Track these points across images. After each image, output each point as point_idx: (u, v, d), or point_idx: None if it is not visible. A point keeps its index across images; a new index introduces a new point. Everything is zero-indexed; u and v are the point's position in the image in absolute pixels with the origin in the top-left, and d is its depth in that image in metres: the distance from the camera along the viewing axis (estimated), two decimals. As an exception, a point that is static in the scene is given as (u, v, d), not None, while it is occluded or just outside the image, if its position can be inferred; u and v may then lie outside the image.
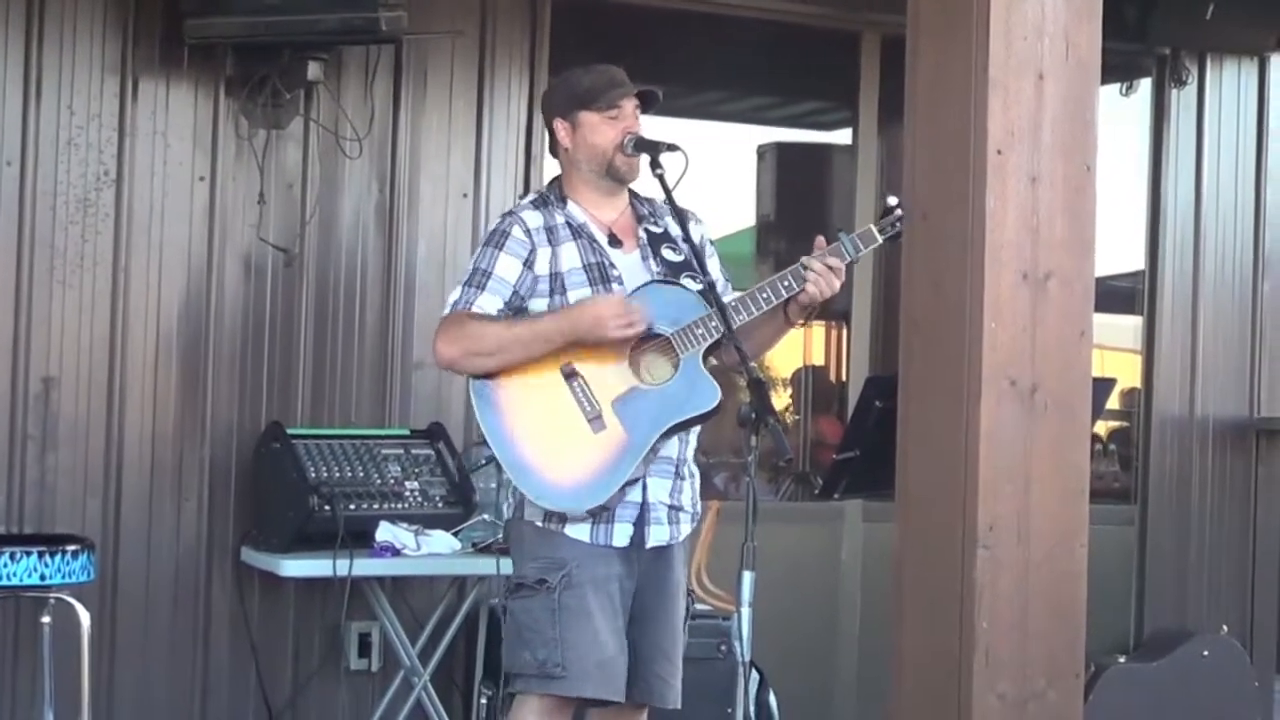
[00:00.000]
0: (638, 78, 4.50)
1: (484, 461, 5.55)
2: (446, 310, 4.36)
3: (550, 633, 4.25)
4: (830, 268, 4.30)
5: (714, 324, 4.27)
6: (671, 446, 4.36)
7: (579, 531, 4.31)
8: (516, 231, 4.37)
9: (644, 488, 4.33)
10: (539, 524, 4.33)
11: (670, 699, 4.43)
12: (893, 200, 4.44)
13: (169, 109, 5.75)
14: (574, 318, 4.27)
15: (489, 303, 4.32)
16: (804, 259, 4.35)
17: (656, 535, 4.37)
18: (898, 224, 4.37)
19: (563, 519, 4.30)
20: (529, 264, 4.35)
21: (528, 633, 4.29)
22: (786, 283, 4.33)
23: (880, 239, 4.40)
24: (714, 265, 4.50)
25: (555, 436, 4.27)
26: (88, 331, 5.66)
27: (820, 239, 4.39)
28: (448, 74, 6.08)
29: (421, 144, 6.06)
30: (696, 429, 4.43)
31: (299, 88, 5.76)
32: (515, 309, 4.34)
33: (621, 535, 4.32)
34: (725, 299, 4.36)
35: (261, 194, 5.82)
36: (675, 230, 4.46)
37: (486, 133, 6.13)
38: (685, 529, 4.45)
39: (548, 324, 4.28)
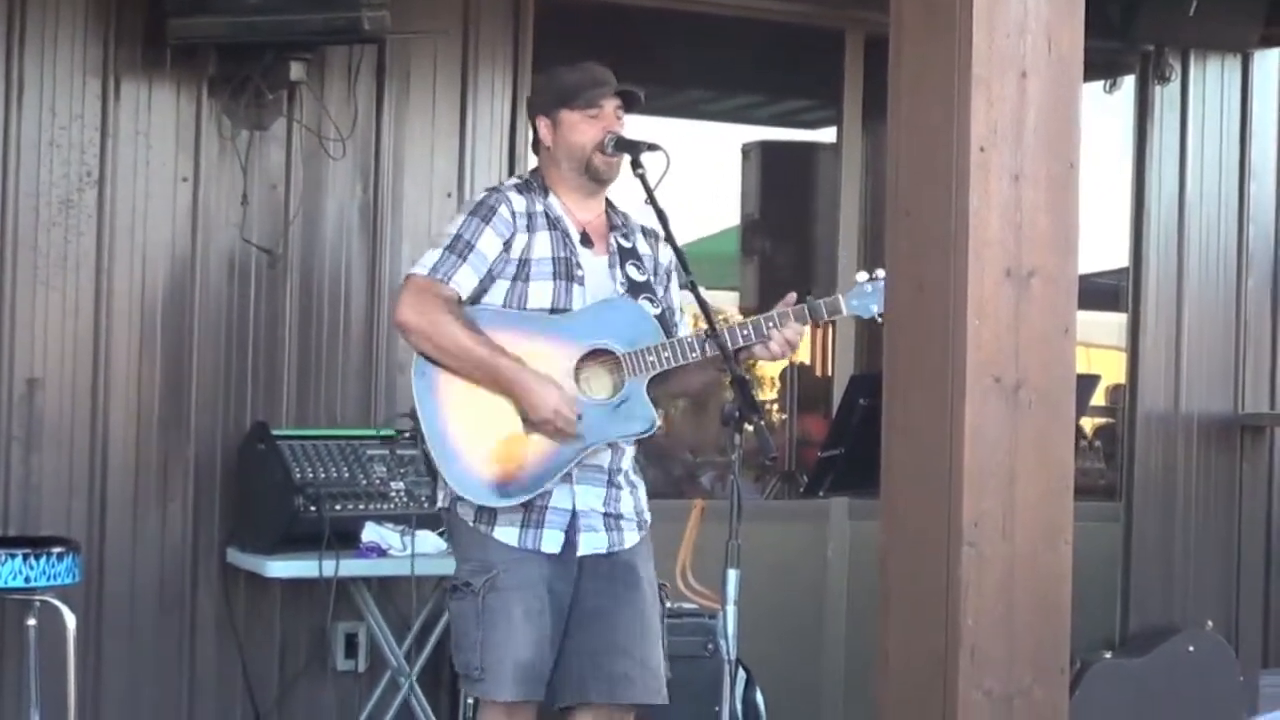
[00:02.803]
0: (621, 77, 4.51)
1: (406, 433, 5.53)
2: (421, 271, 4.34)
3: (474, 635, 4.29)
4: (795, 332, 4.39)
5: (666, 354, 4.32)
6: (603, 456, 4.38)
7: (507, 535, 4.32)
8: (504, 211, 4.39)
9: (572, 495, 4.34)
10: (470, 523, 4.35)
11: (639, 695, 4.40)
12: (862, 276, 4.48)
13: (151, 110, 5.75)
14: (527, 388, 4.28)
15: (466, 278, 4.33)
16: (768, 316, 4.38)
17: (590, 543, 4.38)
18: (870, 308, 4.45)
19: (492, 520, 4.31)
20: (508, 246, 4.37)
21: (458, 635, 4.35)
22: (745, 332, 4.39)
23: (845, 312, 4.49)
24: (674, 288, 4.54)
25: (487, 431, 4.30)
26: (71, 332, 5.65)
27: (791, 295, 4.43)
28: (431, 74, 6.08)
29: (405, 144, 6.06)
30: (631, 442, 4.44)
31: (282, 88, 5.76)
32: (485, 287, 4.36)
33: (551, 541, 4.34)
34: (680, 331, 4.44)
35: (245, 195, 5.82)
36: (644, 250, 4.50)
37: (470, 132, 6.13)
38: (632, 536, 4.44)
39: (506, 369, 4.29)
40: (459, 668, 4.38)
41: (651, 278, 4.48)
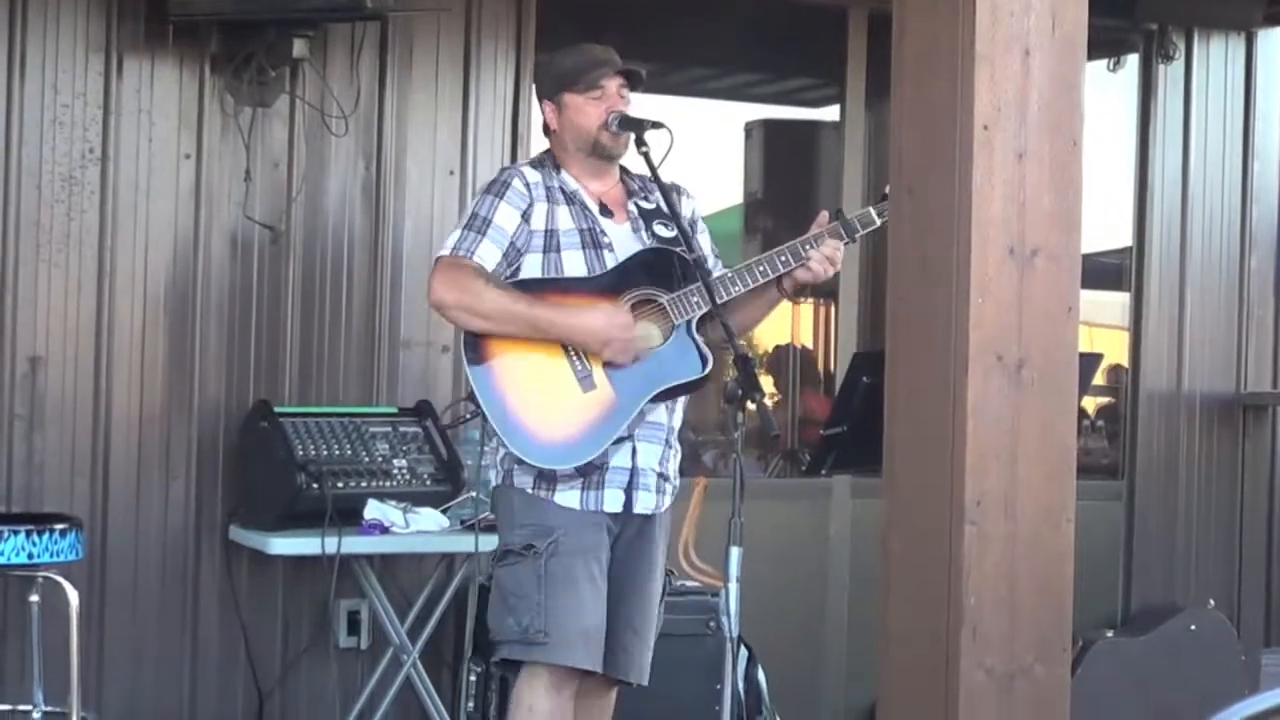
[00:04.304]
0: (625, 54, 4.51)
1: (468, 416, 5.55)
2: (446, 251, 4.38)
3: (536, 598, 4.28)
4: (833, 249, 4.43)
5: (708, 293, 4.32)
6: (660, 414, 4.40)
7: (568, 499, 4.34)
8: (517, 183, 4.42)
9: (634, 453, 4.36)
10: (529, 490, 4.36)
11: (633, 673, 4.45)
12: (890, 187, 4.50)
13: (154, 87, 5.74)
14: (574, 325, 4.30)
15: (489, 252, 4.35)
16: (804, 239, 4.41)
17: (643, 502, 4.41)
18: None
19: (552, 485, 4.33)
20: (526, 217, 4.40)
21: (513, 599, 4.32)
22: (784, 258, 4.43)
23: (879, 221, 4.50)
24: (704, 241, 4.55)
25: (544, 394, 4.32)
26: (74, 310, 5.65)
27: (824, 215, 4.46)
28: (434, 51, 6.07)
29: (408, 121, 6.05)
30: (683, 400, 4.46)
31: (284, 65, 5.75)
32: (511, 262, 4.36)
33: (613, 501, 4.36)
34: (716, 274, 4.42)
35: (248, 172, 5.81)
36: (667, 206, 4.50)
37: (473, 110, 6.12)
38: (668, 500, 4.49)
39: (548, 317, 4.31)
40: (507, 633, 4.32)
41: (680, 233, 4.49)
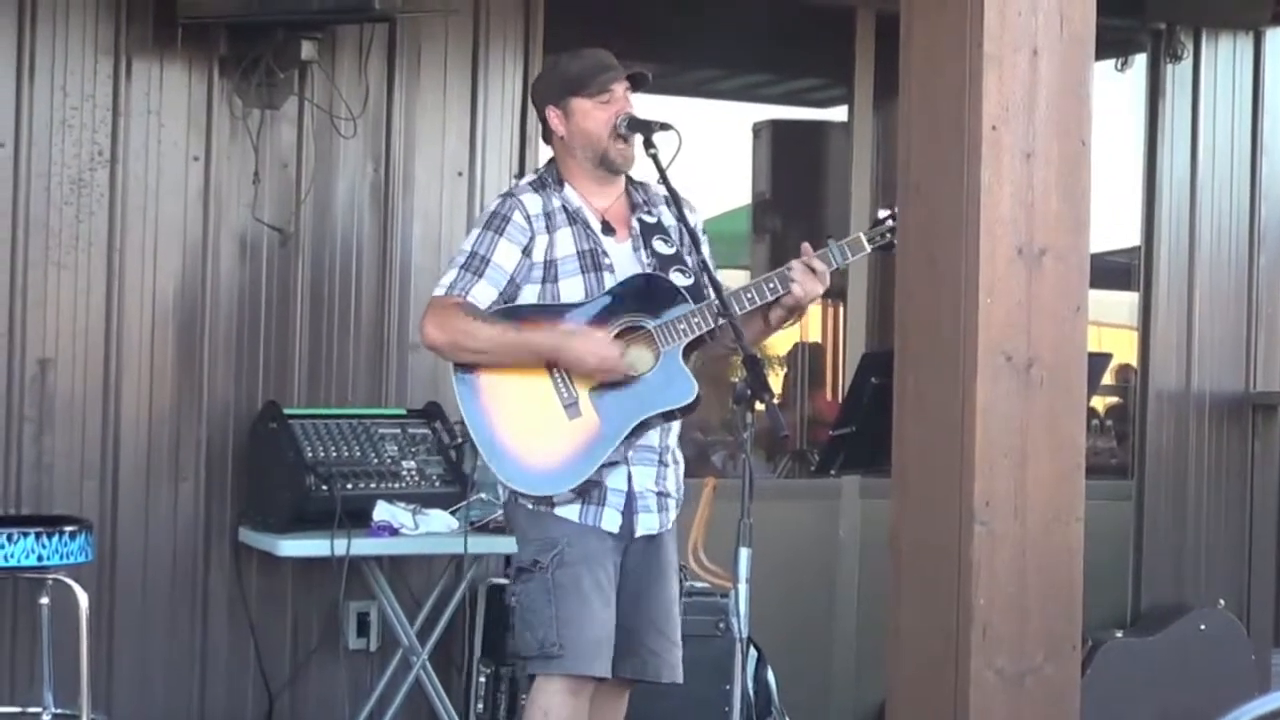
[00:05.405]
0: (632, 56, 4.50)
1: (460, 440, 5.57)
2: (440, 291, 4.37)
3: (547, 611, 4.29)
4: (815, 270, 4.39)
5: (695, 320, 4.33)
6: (652, 436, 4.40)
7: (568, 512, 4.35)
8: (518, 217, 4.38)
9: (629, 477, 4.36)
10: (530, 506, 4.38)
11: (665, 674, 4.47)
12: (883, 212, 4.50)
13: (163, 89, 5.74)
14: (564, 346, 4.30)
15: (484, 292, 4.34)
16: (790, 264, 4.40)
17: (646, 524, 4.42)
18: (887, 234, 4.46)
19: (550, 500, 4.33)
20: (527, 252, 4.37)
21: (528, 614, 4.34)
22: (772, 285, 4.41)
23: (869, 248, 4.50)
24: (705, 253, 4.53)
25: (530, 421, 4.32)
26: (83, 312, 5.66)
27: (806, 245, 4.44)
28: (442, 53, 6.07)
29: (416, 123, 6.05)
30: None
31: (293, 67, 5.75)
32: (509, 297, 4.36)
33: (610, 521, 4.36)
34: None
35: (256, 173, 5.82)
36: (669, 220, 4.50)
37: (481, 112, 6.12)
38: (673, 514, 4.50)
39: (539, 339, 4.31)
40: (528, 649, 4.34)
41: (680, 247, 4.47)
